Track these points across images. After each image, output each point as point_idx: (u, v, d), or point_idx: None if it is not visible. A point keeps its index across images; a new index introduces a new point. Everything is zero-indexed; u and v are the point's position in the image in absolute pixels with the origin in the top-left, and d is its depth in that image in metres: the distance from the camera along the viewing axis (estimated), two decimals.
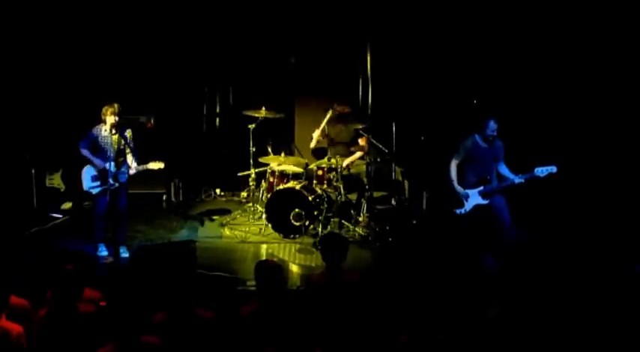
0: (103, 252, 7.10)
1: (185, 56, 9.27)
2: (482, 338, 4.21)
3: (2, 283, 4.38)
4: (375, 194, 8.47)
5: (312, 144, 8.52)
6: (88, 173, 7.08)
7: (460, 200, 6.69)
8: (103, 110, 6.84)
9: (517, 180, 6.45)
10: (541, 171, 6.33)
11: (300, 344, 4.03)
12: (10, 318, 4.17)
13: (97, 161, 6.94)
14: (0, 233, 7.36)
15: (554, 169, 6.33)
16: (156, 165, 7.22)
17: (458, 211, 6.72)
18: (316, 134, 8.42)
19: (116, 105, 6.83)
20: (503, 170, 6.63)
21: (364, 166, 8.15)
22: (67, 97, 8.85)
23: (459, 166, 6.72)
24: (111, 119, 6.82)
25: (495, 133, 6.58)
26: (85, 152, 6.97)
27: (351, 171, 8.25)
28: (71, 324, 4.26)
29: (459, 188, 6.68)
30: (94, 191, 7.09)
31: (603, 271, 6.19)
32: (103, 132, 6.88)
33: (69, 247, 7.16)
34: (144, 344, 3.94)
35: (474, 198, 6.67)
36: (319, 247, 6.94)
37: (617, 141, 8.31)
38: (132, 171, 7.10)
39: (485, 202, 6.64)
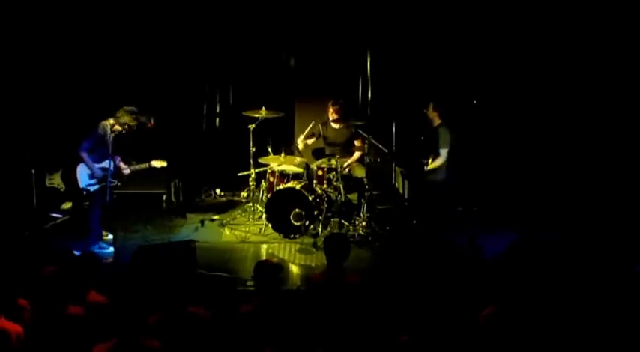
0: (108, 248, 7.19)
1: (185, 56, 9.26)
2: (480, 338, 4.21)
3: (2, 283, 4.38)
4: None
5: (300, 147, 8.52)
6: (84, 170, 7.11)
7: None
8: (123, 114, 6.91)
9: None
10: None
11: (300, 344, 4.03)
12: (8, 318, 4.17)
13: (96, 169, 7.04)
14: (0, 233, 7.37)
15: None
16: (159, 163, 7.32)
17: None
18: (300, 139, 8.45)
19: (134, 113, 6.97)
20: None
21: (362, 168, 8.14)
22: (68, 97, 8.85)
23: None
24: (125, 125, 6.90)
25: None
26: (85, 156, 7.01)
27: (351, 172, 8.26)
28: (57, 327, 4.26)
29: None
30: (92, 189, 7.12)
31: (603, 271, 6.18)
32: (109, 131, 6.91)
33: (70, 247, 7.17)
34: (144, 345, 3.94)
35: None
36: (320, 247, 7.01)
37: (616, 141, 8.31)
38: (132, 168, 7.20)
39: None
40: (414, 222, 8.16)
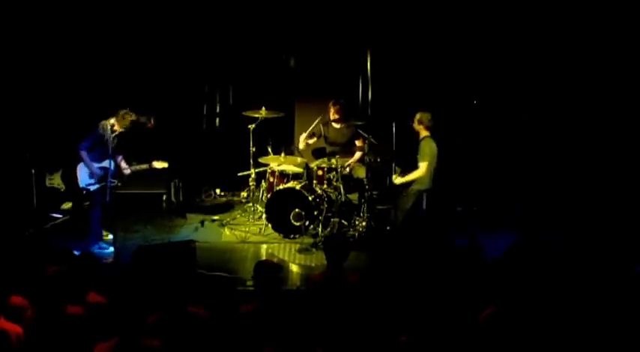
0: (108, 248, 7.20)
1: (185, 56, 9.26)
2: (480, 338, 4.20)
3: (2, 283, 4.38)
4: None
5: (301, 146, 8.52)
6: (84, 170, 7.11)
7: None
8: (125, 115, 6.93)
9: None
10: None
11: (300, 344, 4.03)
12: (8, 318, 4.17)
13: (94, 168, 7.03)
14: (0, 233, 7.36)
15: None
16: (160, 164, 7.34)
17: None
18: (303, 137, 8.45)
19: (135, 117, 6.97)
20: None
21: (363, 168, 8.14)
22: (68, 97, 8.85)
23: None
24: (124, 126, 6.90)
25: None
26: (84, 154, 7.01)
27: (352, 172, 8.26)
28: (57, 327, 4.26)
29: None
30: (92, 188, 7.13)
31: (603, 271, 6.18)
32: (109, 130, 6.91)
33: (70, 247, 7.17)
34: (144, 345, 3.94)
35: None
36: (320, 247, 7.01)
37: (616, 141, 8.31)
38: (132, 169, 7.21)
39: None
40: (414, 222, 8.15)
